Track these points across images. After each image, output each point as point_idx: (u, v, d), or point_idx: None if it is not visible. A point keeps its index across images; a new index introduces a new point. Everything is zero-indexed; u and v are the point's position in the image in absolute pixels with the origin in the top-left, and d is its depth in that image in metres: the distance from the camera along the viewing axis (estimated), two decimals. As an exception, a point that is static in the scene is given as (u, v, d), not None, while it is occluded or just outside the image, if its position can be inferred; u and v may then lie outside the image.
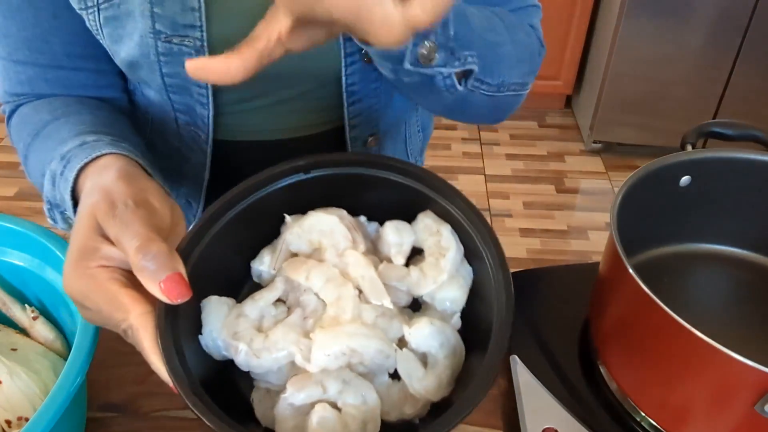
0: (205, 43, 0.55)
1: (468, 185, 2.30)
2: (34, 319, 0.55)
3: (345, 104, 0.63)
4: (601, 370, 0.59)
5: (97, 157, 0.48)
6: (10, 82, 0.61)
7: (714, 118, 2.24)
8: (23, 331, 0.55)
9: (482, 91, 0.55)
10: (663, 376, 0.51)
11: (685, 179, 0.63)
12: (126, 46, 0.56)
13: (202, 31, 0.55)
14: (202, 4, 0.54)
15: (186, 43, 0.55)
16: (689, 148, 0.64)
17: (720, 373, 0.46)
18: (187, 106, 0.61)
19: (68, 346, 0.55)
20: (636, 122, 2.32)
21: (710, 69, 2.16)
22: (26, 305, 0.55)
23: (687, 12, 2.05)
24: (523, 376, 0.58)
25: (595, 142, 2.43)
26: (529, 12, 0.64)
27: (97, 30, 0.56)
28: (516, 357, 0.60)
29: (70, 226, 0.53)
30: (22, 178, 2.30)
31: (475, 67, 0.51)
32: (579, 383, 0.58)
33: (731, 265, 0.68)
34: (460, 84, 0.52)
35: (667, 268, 0.67)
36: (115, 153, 0.48)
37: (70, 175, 0.48)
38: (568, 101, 2.72)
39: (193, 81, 0.58)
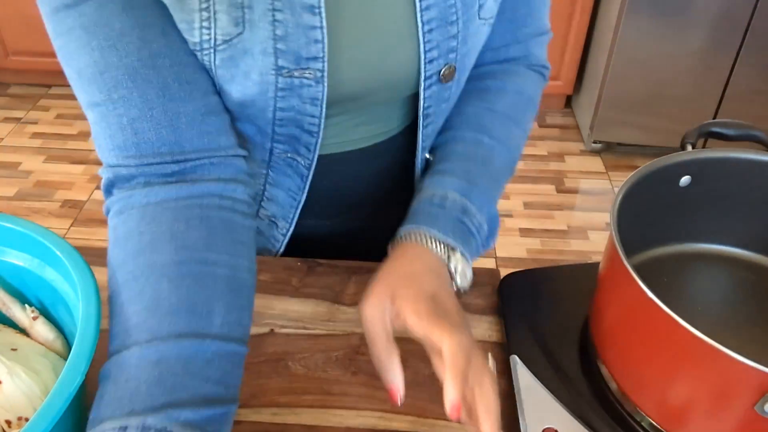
0: (326, 73, 0.54)
1: (468, 185, 2.30)
2: (34, 319, 0.55)
3: (420, 128, 0.65)
4: (601, 370, 0.59)
5: None
6: (109, 131, 0.51)
7: (714, 118, 2.24)
8: (23, 331, 0.55)
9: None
10: (663, 376, 0.51)
11: (685, 179, 0.63)
12: (240, 85, 0.53)
13: (324, 62, 0.54)
14: (325, 35, 0.52)
15: (307, 75, 0.54)
16: (689, 148, 0.64)
17: (720, 373, 0.46)
18: (290, 137, 0.60)
19: (68, 346, 0.55)
20: (636, 122, 2.32)
21: (710, 69, 2.16)
22: (26, 305, 0.55)
23: (687, 12, 2.05)
24: (523, 376, 0.59)
25: (595, 142, 2.43)
26: (542, 41, 0.71)
27: (211, 68, 0.52)
28: (516, 357, 0.60)
29: None
30: (22, 178, 2.31)
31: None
32: (579, 383, 0.59)
33: (731, 265, 0.68)
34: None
35: (667, 268, 0.67)
36: None
37: None
38: (568, 101, 2.72)
39: (307, 113, 0.57)
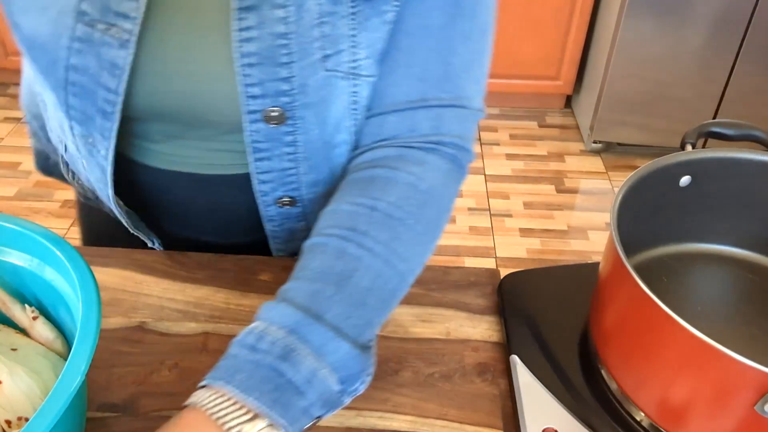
0: (134, 38, 0.49)
1: (468, 185, 2.30)
2: (34, 319, 0.55)
3: (251, 158, 0.58)
4: (601, 370, 0.59)
5: None
6: None
7: (714, 118, 2.24)
8: (23, 331, 0.55)
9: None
10: (663, 376, 0.51)
11: (685, 179, 0.63)
12: (34, 20, 0.49)
13: (136, 24, 0.49)
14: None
15: (112, 33, 0.49)
16: (689, 148, 0.64)
17: (720, 373, 0.46)
18: (85, 115, 0.55)
19: (68, 346, 0.55)
20: (636, 122, 2.32)
21: (710, 69, 2.16)
22: (26, 305, 0.55)
23: (687, 12, 2.05)
24: (523, 376, 0.59)
25: (595, 142, 2.43)
26: (461, 115, 0.58)
27: None
28: (516, 357, 0.60)
29: None
30: (22, 178, 2.30)
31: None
32: (579, 383, 0.58)
33: (731, 265, 0.68)
34: None
35: (667, 268, 0.67)
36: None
37: None
38: (568, 101, 2.72)
39: (102, 82, 0.51)
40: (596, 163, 2.43)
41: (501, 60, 2.40)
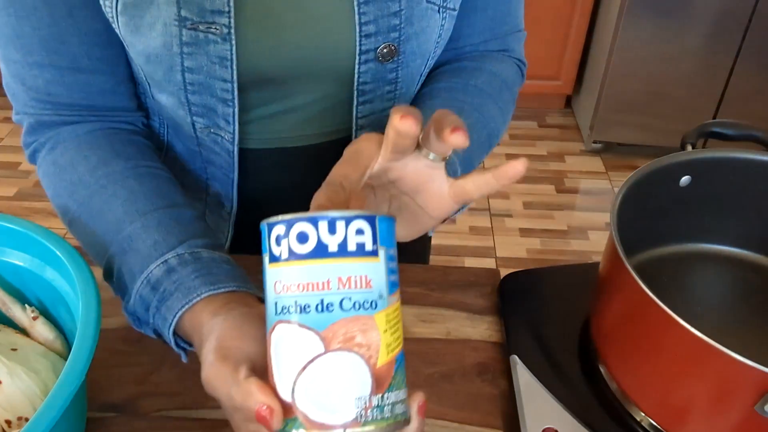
0: (232, 30, 0.54)
1: (468, 185, 2.30)
2: (34, 319, 0.55)
3: (355, 102, 0.62)
4: (601, 370, 0.59)
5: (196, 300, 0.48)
6: (25, 87, 0.59)
7: (714, 118, 2.24)
8: (23, 331, 0.55)
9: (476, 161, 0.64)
10: (663, 376, 0.51)
11: (685, 179, 0.63)
12: (145, 36, 0.54)
13: (229, 17, 0.53)
14: None
15: (213, 30, 0.53)
16: (689, 148, 0.64)
17: (720, 373, 0.46)
18: (207, 108, 0.59)
19: (68, 346, 0.55)
20: (636, 122, 2.32)
21: (710, 69, 2.16)
22: (26, 305, 0.55)
23: (687, 12, 2.05)
24: (523, 376, 0.58)
25: (595, 142, 2.43)
26: (517, 37, 0.71)
27: (113, 17, 0.54)
28: (516, 357, 0.60)
29: (164, 342, 0.53)
30: (22, 178, 2.30)
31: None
32: (579, 383, 0.58)
33: (731, 265, 0.68)
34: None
35: (667, 268, 0.67)
36: (210, 295, 0.48)
37: (169, 317, 0.49)
38: (568, 101, 2.72)
39: (217, 75, 0.56)
40: (596, 163, 2.43)
41: (501, 60, 2.40)
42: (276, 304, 0.38)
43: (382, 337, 0.37)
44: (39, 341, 0.54)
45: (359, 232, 0.37)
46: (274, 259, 0.38)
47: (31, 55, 0.57)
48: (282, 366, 0.38)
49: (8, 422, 0.47)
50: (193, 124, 0.61)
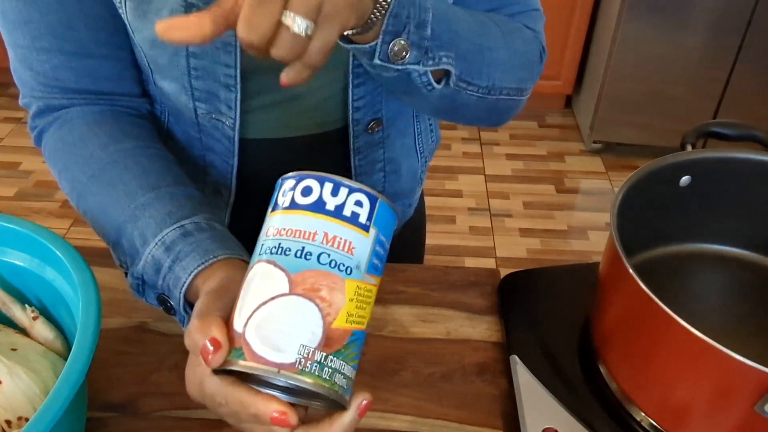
0: None
1: (468, 185, 2.30)
2: (34, 319, 0.55)
3: (350, 86, 0.62)
4: (601, 370, 0.59)
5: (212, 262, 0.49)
6: (33, 72, 0.60)
7: (714, 118, 2.24)
8: (23, 331, 0.55)
9: (470, 93, 0.57)
10: (663, 376, 0.51)
11: (685, 179, 0.63)
12: (152, 22, 0.54)
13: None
14: None
15: None
16: (689, 148, 0.64)
17: (720, 373, 0.46)
18: (209, 93, 0.60)
19: (68, 346, 0.55)
20: (636, 122, 2.32)
21: (710, 69, 2.16)
22: (26, 305, 0.55)
23: (687, 12, 2.05)
24: (523, 376, 0.58)
25: (595, 142, 2.43)
26: (532, 16, 0.66)
27: (121, 3, 0.55)
28: (516, 357, 0.60)
29: (165, 309, 0.54)
30: (22, 178, 2.31)
31: (451, 68, 0.53)
32: (579, 383, 0.58)
33: (731, 265, 0.68)
34: (439, 83, 0.53)
35: (667, 268, 0.67)
36: (227, 258, 0.49)
37: (184, 276, 0.49)
38: (568, 101, 2.72)
39: (221, 61, 0.57)
40: (596, 163, 2.43)
41: (501, 60, 2.40)
42: (262, 246, 0.40)
43: (347, 303, 0.39)
44: (39, 341, 0.54)
45: (358, 203, 0.39)
46: (275, 207, 0.41)
47: (38, 40, 0.57)
48: (246, 300, 0.39)
49: (8, 422, 0.47)
50: (195, 110, 0.62)
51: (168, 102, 0.65)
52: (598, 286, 0.59)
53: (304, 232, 0.39)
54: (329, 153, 0.70)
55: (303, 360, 0.37)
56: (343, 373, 0.38)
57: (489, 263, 1.99)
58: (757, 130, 0.65)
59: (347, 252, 0.39)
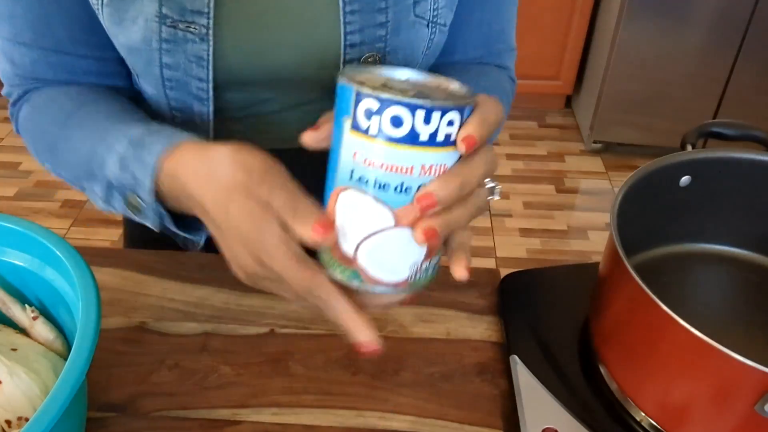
0: (211, 31, 0.55)
1: (468, 185, 2.29)
2: (34, 319, 0.55)
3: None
4: (601, 370, 0.59)
5: (178, 144, 0.48)
6: (13, 64, 0.61)
7: (714, 118, 2.24)
8: (23, 331, 0.55)
9: None
10: (663, 376, 0.51)
11: (685, 179, 0.63)
12: (127, 30, 0.55)
13: (209, 18, 0.54)
14: None
15: (192, 29, 0.54)
16: (689, 148, 0.64)
17: (720, 373, 0.46)
18: (185, 104, 0.61)
19: (68, 346, 0.55)
20: (636, 122, 2.32)
21: (710, 69, 2.16)
22: (26, 305, 0.55)
23: (687, 12, 2.05)
24: (523, 376, 0.58)
25: (595, 142, 2.43)
26: (510, 55, 0.73)
27: (98, 8, 0.55)
28: (516, 357, 0.60)
29: (132, 210, 0.53)
30: (22, 178, 2.31)
31: None
32: (579, 383, 0.58)
33: (731, 265, 0.68)
34: None
35: (667, 268, 0.67)
36: (196, 142, 0.48)
37: (151, 159, 0.48)
38: (568, 101, 2.72)
39: (193, 74, 0.57)
40: (596, 163, 2.43)
41: (501, 60, 2.40)
42: (353, 171, 0.40)
43: None
44: (39, 341, 0.54)
45: (450, 123, 0.38)
46: (359, 128, 0.39)
47: (20, 35, 0.59)
48: (349, 226, 0.41)
49: (8, 422, 0.47)
50: (174, 119, 0.63)
51: (150, 106, 0.65)
52: (598, 286, 0.59)
53: (402, 167, 0.38)
54: (311, 168, 0.70)
55: (413, 275, 0.42)
56: (440, 257, 0.45)
57: (489, 263, 1.99)
58: (757, 130, 0.65)
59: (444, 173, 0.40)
